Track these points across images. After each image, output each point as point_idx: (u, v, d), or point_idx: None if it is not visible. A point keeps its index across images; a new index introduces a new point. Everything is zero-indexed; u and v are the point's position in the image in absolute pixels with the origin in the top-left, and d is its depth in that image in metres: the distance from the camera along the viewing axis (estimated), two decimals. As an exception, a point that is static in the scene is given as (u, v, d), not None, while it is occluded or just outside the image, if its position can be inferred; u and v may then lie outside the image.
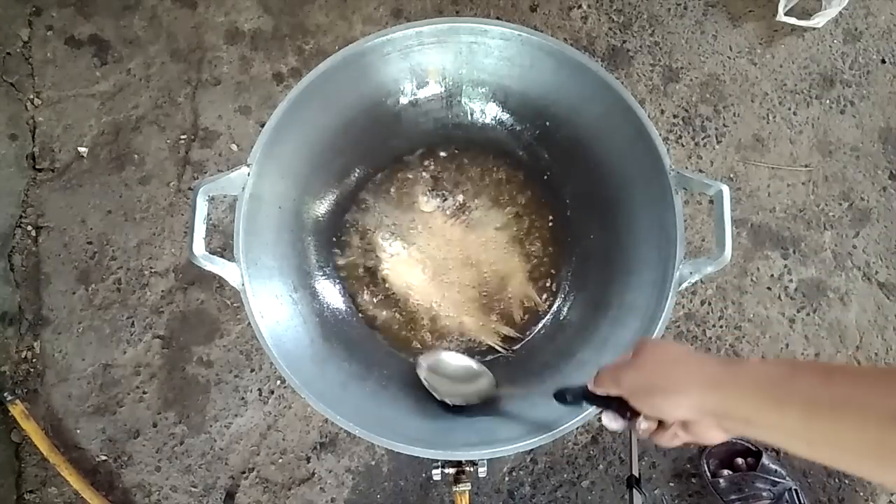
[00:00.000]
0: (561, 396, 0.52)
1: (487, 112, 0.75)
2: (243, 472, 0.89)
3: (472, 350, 0.75)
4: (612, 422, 0.46)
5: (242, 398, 0.90)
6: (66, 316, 0.92)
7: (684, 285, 0.57)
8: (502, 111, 0.74)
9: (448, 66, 0.68)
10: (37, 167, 0.96)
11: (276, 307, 0.62)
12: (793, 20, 0.97)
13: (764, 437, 0.37)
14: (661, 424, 0.43)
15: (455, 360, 0.68)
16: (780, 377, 0.36)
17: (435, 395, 0.66)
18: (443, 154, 0.78)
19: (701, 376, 0.40)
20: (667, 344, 0.45)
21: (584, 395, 0.48)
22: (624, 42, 1.00)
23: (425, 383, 0.67)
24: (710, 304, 0.92)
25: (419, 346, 0.75)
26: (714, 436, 0.41)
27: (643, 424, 0.44)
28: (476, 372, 0.67)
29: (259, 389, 0.90)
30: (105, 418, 0.89)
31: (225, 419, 0.89)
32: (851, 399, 0.32)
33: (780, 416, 0.35)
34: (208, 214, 0.55)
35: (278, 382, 0.90)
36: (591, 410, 0.55)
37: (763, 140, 0.97)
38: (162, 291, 0.92)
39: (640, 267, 0.65)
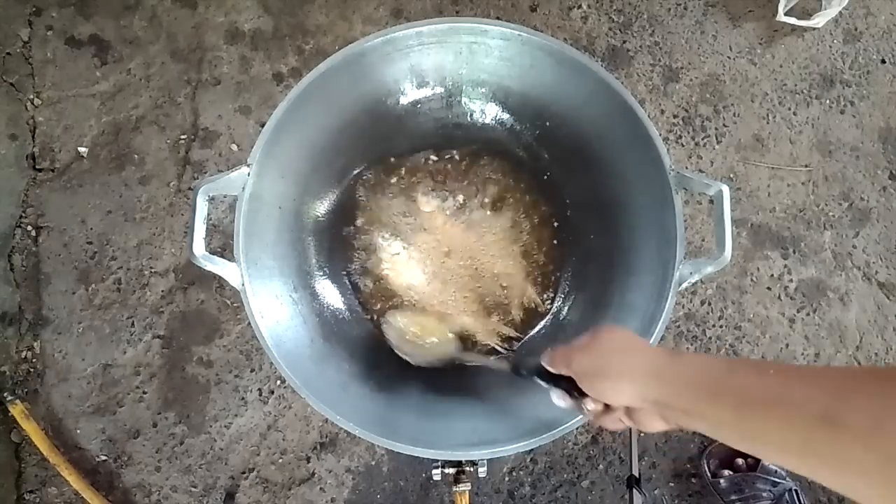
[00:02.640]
0: (517, 370, 0.54)
1: (487, 112, 0.75)
2: (243, 472, 0.89)
3: (471, 349, 0.75)
4: (559, 399, 0.49)
5: (242, 398, 0.90)
6: (66, 316, 0.92)
7: (684, 285, 0.57)
8: (502, 111, 0.74)
9: (448, 66, 0.68)
10: (37, 167, 0.96)
11: (276, 307, 0.62)
12: (793, 20, 0.97)
13: (700, 427, 0.39)
14: (607, 408, 0.45)
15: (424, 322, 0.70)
16: (717, 372, 0.38)
17: (398, 353, 0.68)
18: (443, 154, 0.78)
19: (645, 366, 0.41)
20: (620, 331, 0.46)
21: (538, 372, 0.50)
22: (624, 42, 1.00)
23: (389, 341, 0.68)
24: (710, 304, 0.92)
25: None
26: (655, 424, 0.42)
27: (589, 405, 0.45)
28: (445, 338, 0.69)
29: (259, 389, 0.90)
30: (105, 418, 0.89)
31: (225, 419, 0.89)
32: (781, 397, 0.33)
33: (713, 408, 0.37)
34: (208, 214, 0.55)
35: (278, 382, 0.90)
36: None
37: (763, 140, 0.97)
38: (162, 291, 0.92)
39: (640, 267, 0.65)
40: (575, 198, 0.76)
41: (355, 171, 0.76)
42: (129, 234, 0.94)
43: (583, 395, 0.46)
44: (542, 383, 0.50)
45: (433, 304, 0.75)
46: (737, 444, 0.37)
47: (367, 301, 0.75)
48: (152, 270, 0.93)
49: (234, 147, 0.97)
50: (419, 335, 0.68)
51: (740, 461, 0.84)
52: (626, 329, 0.48)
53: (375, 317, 0.75)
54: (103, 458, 0.89)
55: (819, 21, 0.96)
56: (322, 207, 0.74)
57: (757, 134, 0.97)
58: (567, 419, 0.56)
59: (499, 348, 0.74)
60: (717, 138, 0.97)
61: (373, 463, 0.89)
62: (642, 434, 0.88)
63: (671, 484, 0.88)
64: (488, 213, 0.77)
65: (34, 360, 0.91)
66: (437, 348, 0.67)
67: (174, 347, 0.91)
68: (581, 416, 0.55)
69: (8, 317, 0.92)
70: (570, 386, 0.47)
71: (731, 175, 0.96)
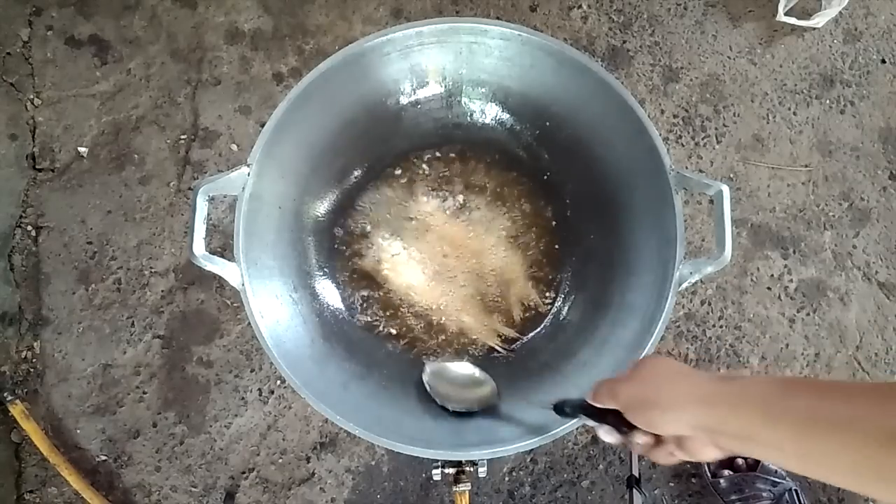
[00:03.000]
0: (560, 409, 0.52)
1: (487, 112, 0.75)
2: (243, 472, 0.89)
3: (471, 350, 0.75)
4: (607, 435, 0.47)
5: (242, 398, 0.90)
6: (66, 316, 0.92)
7: (684, 285, 0.57)
8: (502, 111, 0.74)
9: (448, 66, 0.68)
10: (37, 167, 0.96)
11: (276, 307, 0.62)
12: (793, 20, 0.97)
13: (758, 453, 0.37)
14: (657, 441, 0.44)
15: (459, 368, 0.69)
16: (774, 393, 0.36)
17: (437, 399, 0.66)
18: (443, 154, 0.78)
19: (696, 392, 0.40)
20: (665, 360, 0.45)
21: (583, 408, 0.49)
22: (624, 42, 1.00)
23: (428, 388, 0.67)
24: (710, 304, 0.92)
25: (419, 345, 0.75)
26: (709, 453, 0.41)
27: (639, 439, 0.44)
28: (479, 379, 0.67)
29: (259, 389, 0.90)
30: (105, 418, 0.89)
31: (225, 419, 0.89)
32: (848, 417, 0.32)
33: (773, 432, 0.35)
34: (208, 214, 0.55)
35: (278, 382, 0.90)
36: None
37: (763, 140, 0.97)
38: (162, 291, 0.92)
39: (641, 267, 0.65)
40: (575, 198, 0.76)
41: (355, 171, 0.76)
42: (129, 234, 0.94)
43: (631, 428, 0.44)
44: (589, 421, 0.48)
45: (433, 305, 0.75)
46: (797, 467, 0.35)
47: (368, 301, 0.75)
48: (152, 270, 0.93)
49: (234, 147, 0.97)
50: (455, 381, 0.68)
51: (740, 461, 0.84)
52: (671, 358, 0.46)
53: (376, 317, 0.75)
54: (103, 458, 0.89)
55: (819, 21, 0.96)
56: (322, 207, 0.74)
57: (757, 134, 0.97)
58: (567, 419, 0.56)
59: (499, 348, 0.74)
60: (717, 138, 0.97)
61: (373, 463, 0.89)
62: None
63: (671, 484, 0.88)
64: (488, 213, 0.77)
65: (34, 360, 0.91)
66: (476, 394, 0.66)
67: (174, 347, 0.91)
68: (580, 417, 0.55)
69: (8, 317, 0.92)
70: (617, 420, 0.45)
71: (731, 175, 0.96)
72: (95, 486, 0.87)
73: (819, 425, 0.33)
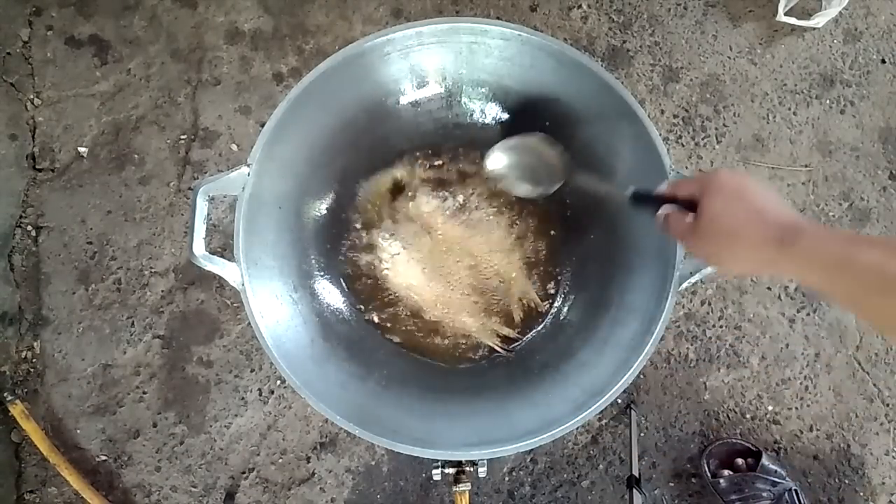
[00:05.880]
0: (638, 196, 0.53)
1: (487, 112, 0.75)
2: (243, 472, 0.89)
3: (471, 350, 0.75)
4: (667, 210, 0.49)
5: (242, 398, 0.90)
6: (66, 316, 0.92)
7: (684, 285, 0.57)
8: (502, 111, 0.74)
9: (448, 66, 0.68)
10: (37, 167, 0.96)
11: (276, 307, 0.62)
12: (793, 20, 0.97)
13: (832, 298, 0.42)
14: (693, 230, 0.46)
15: (529, 142, 0.68)
16: (843, 253, 0.38)
17: (502, 185, 0.67)
18: (443, 154, 0.78)
19: (761, 252, 0.42)
20: (745, 188, 0.44)
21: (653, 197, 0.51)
22: (624, 42, 1.00)
23: (489, 171, 0.67)
24: (710, 304, 0.92)
25: (418, 345, 0.75)
26: (746, 269, 0.49)
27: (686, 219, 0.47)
28: (550, 156, 0.67)
29: (259, 389, 0.90)
30: (105, 418, 0.89)
31: (225, 419, 0.89)
32: None
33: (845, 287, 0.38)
34: (208, 214, 0.55)
35: (278, 382, 0.90)
36: (591, 410, 0.55)
37: (763, 140, 0.97)
38: (162, 291, 0.92)
39: (640, 267, 0.65)
40: (575, 198, 0.76)
41: (355, 171, 0.76)
42: (129, 234, 0.94)
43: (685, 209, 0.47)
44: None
45: (433, 305, 0.75)
46: (860, 313, 0.41)
47: (367, 301, 0.75)
48: (152, 270, 0.93)
49: (234, 147, 0.97)
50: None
51: (740, 461, 0.84)
52: (747, 180, 0.45)
53: (376, 317, 0.75)
54: (103, 458, 0.89)
55: (819, 21, 0.96)
56: (322, 207, 0.74)
57: (757, 134, 0.97)
58: (567, 419, 0.56)
59: (498, 349, 0.74)
60: (717, 138, 0.97)
61: (373, 463, 0.89)
62: (642, 434, 0.88)
63: (671, 484, 0.88)
64: (488, 213, 0.77)
65: (34, 360, 0.91)
66: (546, 173, 0.65)
67: (174, 347, 0.91)
68: (581, 417, 0.55)
69: (8, 317, 0.92)
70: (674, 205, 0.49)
71: (731, 175, 0.96)
72: (95, 486, 0.87)
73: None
